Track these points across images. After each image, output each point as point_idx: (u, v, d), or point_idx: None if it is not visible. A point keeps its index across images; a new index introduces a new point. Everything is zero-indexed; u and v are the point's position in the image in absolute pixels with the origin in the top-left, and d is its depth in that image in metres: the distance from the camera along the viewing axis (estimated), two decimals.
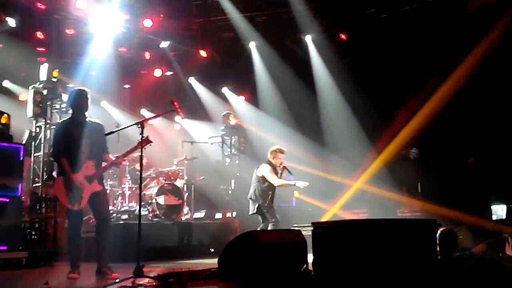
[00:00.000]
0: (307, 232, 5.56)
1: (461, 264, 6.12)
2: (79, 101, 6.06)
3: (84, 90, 6.21)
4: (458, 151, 10.36)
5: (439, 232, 5.50)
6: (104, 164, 6.08)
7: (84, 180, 5.85)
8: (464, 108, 9.95)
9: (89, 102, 6.13)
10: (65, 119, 6.34)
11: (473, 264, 6.41)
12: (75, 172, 5.82)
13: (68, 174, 5.80)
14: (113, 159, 6.11)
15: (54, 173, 8.42)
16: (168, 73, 12.76)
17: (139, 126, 5.61)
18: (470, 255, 6.81)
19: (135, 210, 9.39)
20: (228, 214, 10.78)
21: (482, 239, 7.78)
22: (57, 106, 9.00)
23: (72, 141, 5.87)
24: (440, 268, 5.10)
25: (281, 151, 8.08)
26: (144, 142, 5.94)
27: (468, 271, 5.90)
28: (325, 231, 5.13)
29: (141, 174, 5.80)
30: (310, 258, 5.25)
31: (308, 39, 11.98)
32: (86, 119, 6.08)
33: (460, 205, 8.85)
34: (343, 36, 11.75)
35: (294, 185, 8.09)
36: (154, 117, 6.14)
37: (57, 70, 9.08)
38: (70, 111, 6.23)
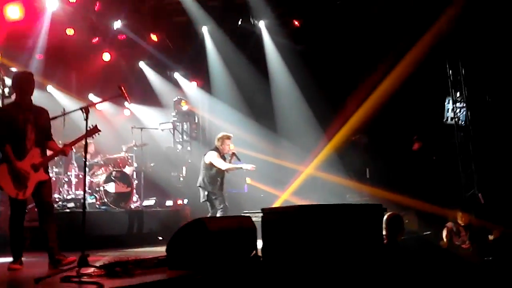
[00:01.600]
0: (257, 218, 5.56)
1: (408, 247, 6.29)
2: (24, 84, 5.76)
3: (29, 73, 5.93)
4: (405, 137, 10.63)
5: (385, 216, 5.61)
6: (50, 152, 5.85)
7: (30, 168, 5.60)
8: (412, 94, 10.20)
9: (33, 86, 5.83)
10: (8, 103, 6.09)
11: (419, 248, 6.61)
12: (20, 160, 5.56)
13: (13, 162, 5.50)
14: (59, 146, 5.87)
15: None
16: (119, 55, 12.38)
17: (84, 111, 5.40)
18: (416, 239, 7.02)
19: (81, 198, 9.12)
20: (180, 202, 10.68)
21: (427, 223, 8.05)
22: (0, 91, 8.63)
23: (16, 126, 5.58)
24: (386, 251, 5.22)
25: (228, 137, 8.08)
26: (92, 130, 5.83)
27: (414, 254, 6.07)
28: (274, 217, 5.16)
29: (85, 160, 5.59)
30: (260, 244, 5.26)
31: (262, 25, 11.92)
32: (31, 104, 5.81)
33: (407, 190, 9.12)
34: (296, 23, 11.75)
35: (241, 168, 8.12)
36: (100, 102, 5.96)
37: (0, 53, 8.71)
38: (14, 95, 5.97)
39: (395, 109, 10.47)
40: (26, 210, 5.95)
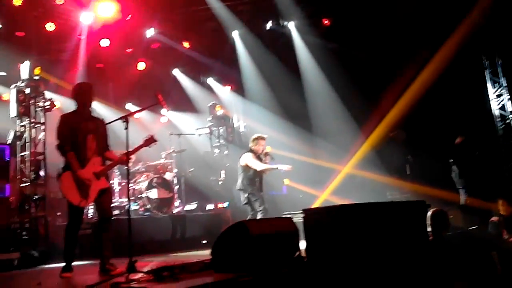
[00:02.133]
0: (298, 219, 5.57)
1: (454, 243, 6.17)
2: (84, 95, 5.88)
3: (89, 84, 6.10)
4: (445, 132, 10.43)
5: (430, 212, 5.53)
6: (109, 161, 5.95)
7: (93, 176, 5.68)
8: (448, 87, 10.01)
9: (93, 96, 5.95)
10: (69, 111, 6.05)
11: (465, 243, 6.47)
12: (81, 168, 5.63)
13: (76, 170, 5.61)
14: (117, 156, 5.96)
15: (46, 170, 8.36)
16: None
17: (124, 120, 5.52)
18: (462, 234, 6.87)
19: (126, 205, 9.34)
20: (220, 205, 10.77)
21: (473, 218, 7.85)
22: (41, 104, 8.89)
23: (78, 135, 5.69)
24: (432, 248, 5.14)
25: (262, 138, 8.11)
26: (149, 140, 6.01)
27: (460, 249, 5.96)
28: (316, 217, 5.15)
29: (128, 168, 5.69)
30: (302, 245, 5.26)
31: (291, 25, 11.92)
32: (91, 114, 5.96)
33: (450, 185, 8.94)
34: (326, 22, 11.70)
35: (277, 168, 8.12)
36: (138, 111, 6.09)
37: (39, 67, 8.97)
38: (75, 106, 5.96)
39: (432, 103, 10.29)
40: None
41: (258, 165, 7.89)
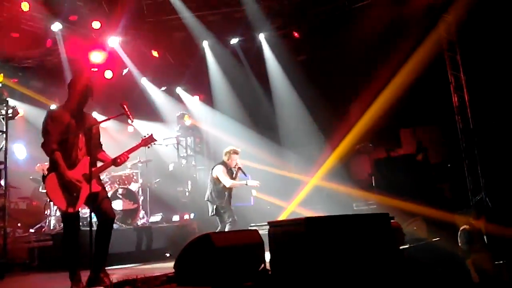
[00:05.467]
0: (264, 230, 5.53)
1: (417, 255, 6.25)
2: (79, 89, 5.31)
3: (87, 78, 5.58)
4: (410, 144, 10.62)
5: None
6: (101, 162, 5.46)
7: (82, 178, 5.15)
8: (414, 100, 10.19)
9: (92, 94, 5.38)
10: (59, 106, 5.52)
11: (429, 255, 6.56)
12: (70, 169, 5.12)
13: (63, 171, 5.05)
14: (110, 157, 5.46)
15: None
16: (124, 71, 12.39)
17: (88, 129, 5.33)
18: (425, 246, 6.96)
19: (87, 216, 9.11)
20: (186, 216, 10.65)
21: (436, 229, 7.97)
22: (3, 112, 8.65)
23: (68, 133, 5.17)
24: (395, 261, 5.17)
25: (235, 152, 8.08)
26: (148, 140, 5.68)
27: (423, 262, 6.03)
28: (281, 230, 5.12)
29: (91, 178, 5.17)
30: (268, 257, 5.23)
31: (262, 37, 11.97)
32: (83, 111, 5.40)
33: (414, 196, 9.07)
34: (296, 34, 11.79)
35: (246, 184, 8.10)
36: (104, 121, 5.86)
37: (1, 74, 8.77)
38: (67, 99, 5.39)
39: (399, 115, 10.46)
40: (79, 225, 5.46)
41: (227, 181, 7.85)
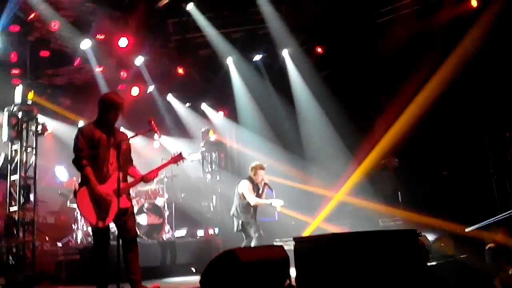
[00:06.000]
0: (289, 246, 5.54)
1: (444, 272, 6.14)
2: (110, 106, 5.46)
3: (119, 96, 5.68)
4: (437, 159, 10.48)
5: None
6: (132, 178, 5.57)
7: (113, 193, 5.25)
8: (441, 115, 10.08)
9: (122, 112, 5.54)
10: (89, 122, 5.62)
11: (455, 272, 6.44)
12: (101, 184, 5.23)
13: (94, 186, 5.17)
14: (140, 173, 5.59)
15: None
16: (149, 89, 12.59)
17: (119, 144, 5.35)
18: (453, 262, 6.83)
19: (114, 231, 9.23)
20: (211, 231, 10.68)
21: (463, 246, 7.82)
22: (33, 128, 8.88)
23: (99, 148, 5.30)
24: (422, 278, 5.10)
25: (262, 167, 8.09)
26: (177, 158, 5.83)
27: (451, 279, 5.92)
28: (307, 246, 5.12)
29: (118, 193, 5.25)
30: (293, 272, 5.22)
31: (285, 53, 12.03)
32: (114, 127, 5.58)
33: (441, 212, 8.93)
34: (319, 50, 11.83)
35: (270, 204, 8.06)
36: (132, 137, 5.98)
37: (32, 91, 9.00)
38: (98, 115, 5.53)
39: (424, 130, 10.34)
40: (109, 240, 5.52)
41: (251, 199, 7.87)
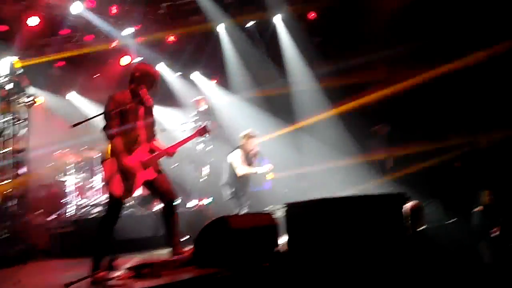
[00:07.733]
0: (280, 213, 5.62)
1: (433, 237, 6.23)
2: (145, 77, 5.37)
3: (156, 70, 5.64)
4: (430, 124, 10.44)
5: (408, 207, 5.57)
6: (156, 149, 5.51)
7: (140, 166, 5.23)
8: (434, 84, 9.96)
9: (155, 82, 5.43)
10: (121, 91, 5.47)
11: (445, 236, 6.53)
12: (129, 154, 5.17)
13: (122, 158, 5.09)
14: (162, 146, 5.54)
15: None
16: (137, 59, 12.43)
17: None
18: (442, 228, 6.92)
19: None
20: (203, 201, 10.71)
21: (454, 212, 7.90)
22: (23, 100, 8.80)
23: (129, 118, 5.21)
24: (411, 242, 5.19)
25: (252, 136, 8.07)
26: (202, 131, 5.80)
27: (440, 243, 6.01)
28: (297, 211, 5.21)
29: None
30: (281, 239, 5.34)
31: (277, 18, 11.86)
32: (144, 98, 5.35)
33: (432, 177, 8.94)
34: (312, 15, 11.69)
35: (256, 173, 8.05)
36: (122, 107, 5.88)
37: (18, 60, 8.84)
38: (130, 84, 5.41)
39: (418, 99, 10.25)
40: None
41: (239, 169, 7.88)
